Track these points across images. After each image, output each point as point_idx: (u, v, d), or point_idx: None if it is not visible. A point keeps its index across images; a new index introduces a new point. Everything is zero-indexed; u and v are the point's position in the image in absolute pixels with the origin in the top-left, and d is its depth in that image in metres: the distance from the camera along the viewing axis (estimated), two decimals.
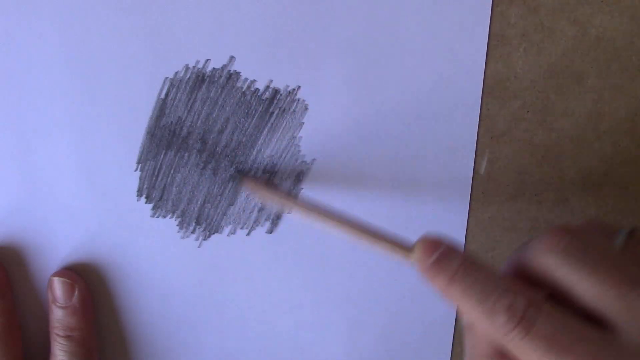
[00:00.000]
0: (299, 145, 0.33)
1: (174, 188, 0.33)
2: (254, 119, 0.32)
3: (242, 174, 0.33)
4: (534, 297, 0.22)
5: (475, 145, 0.33)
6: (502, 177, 0.35)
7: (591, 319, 0.22)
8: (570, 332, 0.21)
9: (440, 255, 0.24)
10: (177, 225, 0.34)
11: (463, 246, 0.36)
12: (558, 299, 0.23)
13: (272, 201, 0.32)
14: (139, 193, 0.33)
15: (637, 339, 0.21)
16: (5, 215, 0.33)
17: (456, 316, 0.38)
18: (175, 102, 0.31)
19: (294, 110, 0.32)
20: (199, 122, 0.32)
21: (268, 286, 0.36)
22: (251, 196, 0.33)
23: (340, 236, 0.28)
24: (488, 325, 0.22)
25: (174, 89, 0.31)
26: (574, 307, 0.22)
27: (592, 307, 0.22)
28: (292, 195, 0.32)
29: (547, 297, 0.23)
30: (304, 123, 0.32)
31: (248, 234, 0.35)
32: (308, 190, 0.34)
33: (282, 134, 0.32)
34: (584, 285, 0.22)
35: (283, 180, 0.33)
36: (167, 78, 0.31)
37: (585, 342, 0.21)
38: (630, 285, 0.21)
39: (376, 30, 0.30)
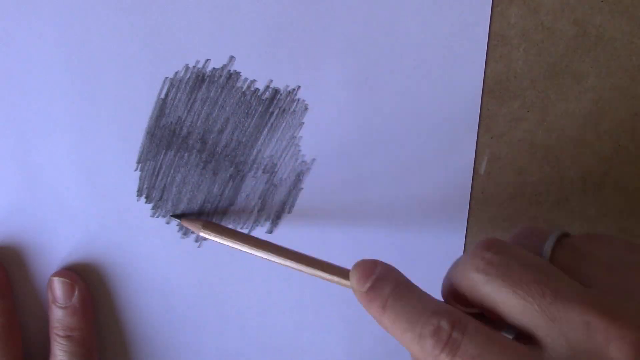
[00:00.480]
0: (299, 145, 0.33)
1: (174, 188, 0.33)
2: (254, 119, 0.32)
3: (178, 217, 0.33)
4: (460, 317, 0.22)
5: (475, 145, 0.33)
6: (502, 177, 0.35)
7: (522, 335, 0.22)
8: (496, 351, 0.21)
9: (374, 281, 0.24)
10: (177, 225, 0.34)
11: (463, 247, 0.36)
12: (489, 317, 0.23)
13: (216, 238, 0.32)
14: (139, 193, 0.33)
15: (563, 351, 0.21)
16: (5, 215, 0.33)
17: None
18: (175, 102, 0.31)
19: (294, 110, 0.32)
20: (199, 122, 0.32)
21: (268, 286, 0.36)
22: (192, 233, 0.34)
23: (285, 266, 0.29)
24: (418, 352, 0.22)
25: (174, 89, 0.31)
26: (504, 324, 0.22)
27: (518, 323, 0.22)
28: (231, 232, 0.32)
29: (478, 315, 0.23)
30: (304, 123, 0.32)
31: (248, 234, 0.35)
32: (308, 191, 0.34)
33: (282, 134, 0.32)
34: (507, 302, 0.22)
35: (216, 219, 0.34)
36: (167, 78, 0.31)
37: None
38: (551, 297, 0.21)
39: (376, 30, 0.30)
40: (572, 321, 0.21)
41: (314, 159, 0.33)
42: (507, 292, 0.22)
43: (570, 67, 0.32)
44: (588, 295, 0.21)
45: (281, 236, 0.35)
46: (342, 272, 0.27)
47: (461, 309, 0.24)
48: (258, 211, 0.34)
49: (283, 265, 0.29)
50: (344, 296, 0.37)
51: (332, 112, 0.32)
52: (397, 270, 0.25)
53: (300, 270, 0.28)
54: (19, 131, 0.31)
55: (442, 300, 0.25)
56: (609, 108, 0.33)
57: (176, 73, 0.31)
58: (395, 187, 0.34)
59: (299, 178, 0.34)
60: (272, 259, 0.29)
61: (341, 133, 0.33)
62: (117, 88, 0.31)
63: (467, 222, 0.35)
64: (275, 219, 0.34)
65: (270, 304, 0.37)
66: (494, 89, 0.32)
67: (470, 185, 0.34)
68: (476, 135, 0.33)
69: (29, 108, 0.31)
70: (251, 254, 0.30)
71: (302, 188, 0.34)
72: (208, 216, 0.34)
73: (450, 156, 0.33)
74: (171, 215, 0.33)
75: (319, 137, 0.33)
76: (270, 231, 0.35)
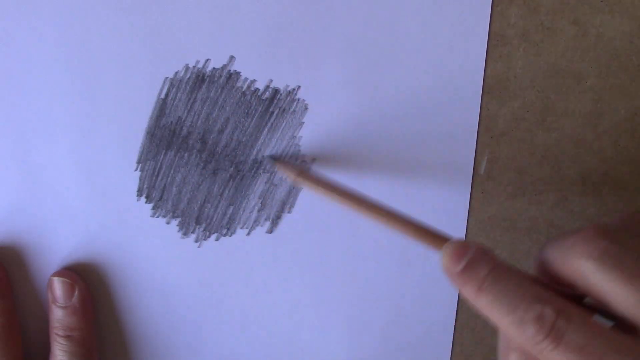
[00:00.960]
0: (299, 145, 0.33)
1: (174, 188, 0.33)
2: (254, 119, 0.32)
3: (274, 159, 0.32)
4: (564, 306, 0.22)
5: (475, 145, 0.33)
6: (502, 177, 0.35)
7: (625, 325, 0.22)
8: (601, 342, 0.21)
9: (468, 262, 0.23)
10: (177, 225, 0.34)
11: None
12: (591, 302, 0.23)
13: (305, 185, 0.31)
14: (139, 193, 0.33)
15: None
16: (5, 215, 0.33)
17: (456, 316, 0.38)
18: (175, 102, 0.31)
19: (294, 110, 0.32)
20: (199, 122, 0.32)
21: (268, 286, 0.36)
22: (284, 179, 0.33)
23: (375, 223, 0.27)
24: (517, 336, 0.22)
25: (174, 89, 0.31)
26: (607, 311, 0.22)
27: (626, 315, 0.22)
28: (324, 179, 0.31)
29: (579, 299, 0.23)
30: (304, 123, 0.32)
31: (248, 234, 0.35)
32: (307, 191, 0.34)
33: (282, 134, 0.32)
34: (619, 293, 0.22)
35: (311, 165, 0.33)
36: (167, 78, 0.31)
37: (617, 352, 0.21)
38: None
39: (376, 30, 0.30)
40: None
41: (314, 159, 0.33)
42: (621, 283, 0.21)
43: (570, 67, 0.32)
44: None
45: (281, 236, 0.35)
46: (435, 239, 0.25)
47: (558, 288, 0.23)
48: (258, 211, 0.34)
49: (373, 221, 0.28)
50: (344, 296, 0.37)
51: (332, 112, 0.32)
52: (493, 253, 0.24)
53: (389, 228, 0.27)
54: (19, 131, 0.31)
55: (541, 279, 0.24)
56: (609, 108, 0.33)
57: (176, 73, 0.31)
58: (395, 187, 0.34)
59: None
60: (363, 214, 0.28)
61: (341, 133, 0.33)
62: (117, 88, 0.31)
63: (467, 222, 0.35)
64: (275, 219, 0.34)
65: (270, 304, 0.37)
66: (494, 89, 0.32)
67: (470, 185, 0.34)
68: (476, 135, 0.33)
69: (29, 108, 0.31)
70: (345, 207, 0.29)
71: (302, 188, 0.34)
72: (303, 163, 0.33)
73: (450, 156, 0.33)
74: (268, 156, 0.31)
75: (319, 137, 0.33)
76: (270, 231, 0.35)
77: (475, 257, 0.23)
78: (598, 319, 0.22)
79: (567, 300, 0.22)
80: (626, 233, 0.23)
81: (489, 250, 0.24)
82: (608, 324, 0.22)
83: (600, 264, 0.22)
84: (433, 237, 0.26)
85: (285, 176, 0.33)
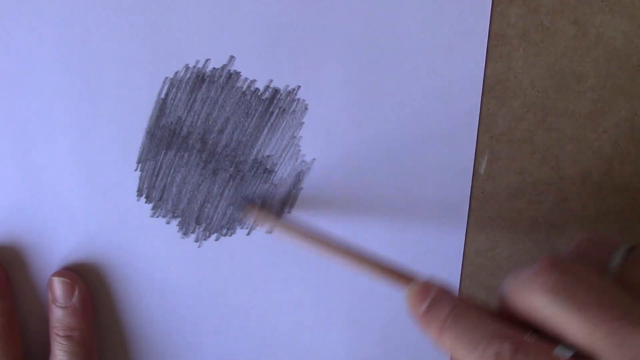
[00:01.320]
0: (299, 145, 0.33)
1: (174, 188, 0.33)
2: (254, 119, 0.32)
3: (244, 202, 0.33)
4: (521, 340, 0.22)
5: (475, 145, 0.33)
6: (502, 177, 0.35)
7: (582, 355, 0.22)
8: None
9: (431, 303, 0.24)
10: (177, 225, 0.34)
11: (463, 248, 0.36)
12: (547, 334, 0.23)
13: (271, 226, 0.32)
14: (139, 193, 0.33)
15: None
16: (5, 215, 0.33)
17: None
18: (175, 102, 0.31)
19: (294, 110, 0.32)
20: (199, 122, 0.32)
21: (268, 286, 0.36)
22: (252, 222, 0.34)
23: (340, 264, 0.29)
24: None
25: (174, 89, 0.31)
26: (564, 342, 0.22)
27: (581, 344, 0.22)
28: (288, 221, 0.32)
29: (536, 332, 0.23)
30: (304, 123, 0.32)
31: (248, 234, 0.35)
32: (308, 191, 0.34)
33: (282, 134, 0.32)
34: (572, 325, 0.22)
35: (277, 206, 0.34)
36: (167, 78, 0.31)
37: None
38: (621, 320, 0.21)
39: (376, 30, 0.30)
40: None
41: (314, 159, 0.33)
42: (573, 314, 0.22)
43: (570, 67, 0.32)
44: None
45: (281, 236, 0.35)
46: (402, 278, 0.27)
47: (515, 320, 0.24)
48: (258, 211, 0.34)
49: (345, 265, 0.29)
50: (344, 296, 0.37)
51: (332, 112, 0.32)
52: (454, 292, 0.25)
53: (359, 270, 0.28)
54: (19, 131, 0.31)
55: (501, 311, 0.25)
56: (609, 108, 0.33)
57: (176, 73, 0.31)
58: (395, 187, 0.34)
59: (299, 178, 0.34)
60: (334, 259, 0.29)
61: (341, 133, 0.33)
62: (117, 88, 0.31)
63: (467, 222, 0.35)
64: (276, 219, 0.34)
65: (270, 304, 0.37)
66: (494, 89, 0.32)
67: (470, 185, 0.34)
68: (476, 135, 0.33)
69: (29, 108, 0.31)
70: (316, 252, 0.30)
71: (302, 188, 0.34)
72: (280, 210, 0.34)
73: (450, 156, 0.33)
74: (241, 197, 0.32)
75: (319, 137, 0.33)
76: (270, 231, 0.35)
77: (437, 296, 0.24)
78: (560, 350, 0.22)
79: (531, 332, 0.23)
80: (579, 263, 0.23)
81: (450, 290, 0.25)
82: (569, 354, 0.22)
83: (552, 297, 0.22)
84: (399, 276, 0.27)
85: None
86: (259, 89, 0.31)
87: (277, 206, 0.33)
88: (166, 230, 0.34)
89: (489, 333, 0.22)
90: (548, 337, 0.23)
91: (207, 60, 0.31)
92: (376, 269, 0.27)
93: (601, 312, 0.21)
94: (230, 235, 0.35)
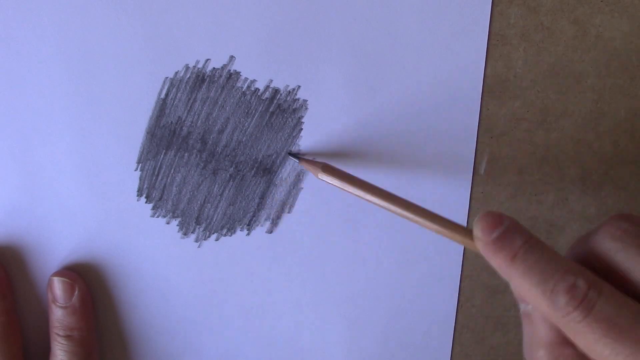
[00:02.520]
0: (299, 145, 0.33)
1: (174, 188, 0.33)
2: (254, 119, 0.32)
3: (296, 156, 0.32)
4: (596, 279, 0.22)
5: (475, 145, 0.33)
6: (502, 177, 0.35)
7: None
8: (630, 315, 0.21)
9: (503, 232, 0.24)
10: (177, 225, 0.34)
11: (462, 251, 0.36)
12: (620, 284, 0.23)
13: (330, 180, 0.31)
14: (139, 193, 0.33)
15: None
16: (5, 215, 0.33)
17: (456, 316, 0.38)
18: (175, 102, 0.31)
19: (294, 110, 0.32)
20: (199, 122, 0.32)
21: (268, 286, 0.36)
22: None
23: (398, 216, 0.28)
24: (547, 307, 0.22)
25: (174, 89, 0.31)
26: (635, 292, 0.22)
27: None
28: (347, 174, 0.31)
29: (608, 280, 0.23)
30: (304, 123, 0.32)
31: (248, 234, 0.35)
32: (308, 191, 0.34)
33: (282, 134, 0.32)
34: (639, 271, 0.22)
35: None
36: (167, 78, 0.31)
37: None
38: None
39: (376, 30, 0.30)
40: None
41: (314, 159, 0.33)
42: None
43: (570, 67, 0.32)
44: None
45: (281, 236, 0.35)
46: (457, 228, 0.26)
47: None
48: (258, 211, 0.34)
49: (395, 213, 0.28)
50: (344, 296, 0.37)
51: (332, 112, 0.32)
52: (526, 228, 0.24)
53: (413, 221, 0.27)
54: (19, 131, 0.31)
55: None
56: (608, 108, 0.33)
57: (176, 73, 0.31)
58: (395, 187, 0.34)
59: (299, 178, 0.34)
60: (385, 207, 0.28)
61: (341, 133, 0.33)
62: (117, 88, 0.31)
63: (467, 222, 0.35)
64: (275, 219, 0.34)
65: (270, 304, 0.37)
66: (494, 89, 0.32)
67: (470, 185, 0.34)
68: (476, 135, 0.33)
69: (29, 108, 0.31)
70: (366, 199, 0.29)
71: (302, 188, 0.34)
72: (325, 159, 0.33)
73: (450, 156, 0.33)
74: (288, 153, 0.32)
75: (319, 137, 0.33)
76: (270, 231, 0.35)
77: (510, 227, 0.24)
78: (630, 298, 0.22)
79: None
80: None
81: (522, 225, 0.24)
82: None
83: (622, 244, 0.23)
84: (455, 227, 0.26)
85: (304, 172, 0.33)
86: (259, 89, 0.31)
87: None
88: (166, 230, 0.34)
89: (562, 268, 0.22)
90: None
91: (207, 60, 0.31)
92: (433, 219, 0.27)
93: None
94: (230, 235, 0.35)
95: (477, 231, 0.24)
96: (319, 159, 0.33)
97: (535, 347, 0.24)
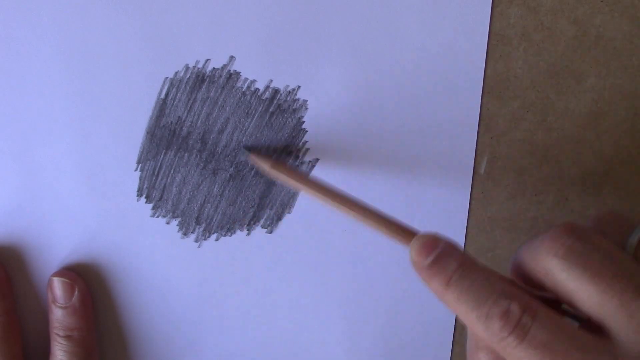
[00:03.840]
0: (299, 145, 0.33)
1: (174, 188, 0.33)
2: (254, 119, 0.32)
3: (250, 150, 0.32)
4: (530, 302, 0.22)
5: (475, 145, 0.33)
6: (502, 177, 0.35)
7: (590, 324, 0.22)
8: (565, 340, 0.21)
9: (437, 256, 0.23)
10: (177, 225, 0.34)
11: (463, 247, 0.36)
12: (557, 301, 0.23)
13: (281, 179, 0.31)
14: (139, 193, 0.33)
15: (636, 349, 0.20)
16: (5, 215, 0.33)
17: (456, 316, 0.38)
18: (175, 102, 0.31)
19: (294, 110, 0.32)
20: (199, 122, 0.32)
21: (268, 286, 0.36)
22: (259, 172, 0.33)
23: (347, 217, 0.27)
24: (483, 332, 0.22)
25: (174, 89, 0.31)
26: (572, 310, 0.22)
27: (591, 313, 0.22)
28: (301, 172, 0.31)
29: (545, 299, 0.22)
30: (304, 123, 0.32)
31: (248, 234, 0.35)
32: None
33: (282, 134, 0.32)
34: (584, 292, 0.21)
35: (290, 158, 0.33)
36: (167, 78, 0.31)
37: (581, 350, 0.21)
38: (633, 293, 0.21)
39: (376, 30, 0.30)
40: None
41: (314, 159, 0.33)
42: (586, 282, 0.21)
43: (570, 67, 0.32)
44: None
45: (281, 236, 0.35)
46: (404, 233, 0.25)
47: (527, 289, 0.23)
48: (258, 211, 0.34)
49: (343, 214, 0.28)
50: (343, 296, 0.37)
51: (332, 112, 0.32)
52: (461, 249, 0.24)
53: (360, 222, 0.27)
54: (19, 131, 0.31)
55: (509, 277, 0.24)
56: (609, 108, 0.33)
57: (176, 73, 0.31)
58: (395, 187, 0.34)
59: None
60: (334, 207, 0.28)
61: (341, 133, 0.33)
62: (117, 88, 0.31)
63: (467, 222, 0.35)
64: (275, 219, 0.34)
65: (270, 304, 0.37)
66: (494, 89, 0.32)
67: (470, 185, 0.34)
68: (476, 135, 0.33)
69: (29, 108, 0.31)
70: (315, 198, 0.29)
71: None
72: (278, 156, 0.33)
73: (450, 156, 0.33)
74: (243, 147, 0.32)
75: (319, 137, 0.33)
76: (270, 231, 0.35)
77: (444, 251, 0.23)
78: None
79: (538, 300, 0.22)
80: (596, 231, 0.23)
81: (458, 246, 0.24)
82: (576, 324, 0.22)
83: (565, 262, 0.22)
84: (402, 231, 0.25)
85: (259, 167, 0.32)
86: (259, 89, 0.31)
87: (279, 153, 0.32)
88: (166, 230, 0.34)
89: (497, 292, 0.22)
90: (551, 306, 0.22)
91: (207, 60, 0.31)
92: (380, 222, 0.26)
93: (615, 282, 0.21)
94: (230, 235, 0.35)
95: (413, 254, 0.24)
96: (318, 159, 0.33)
97: (476, 349, 0.24)
